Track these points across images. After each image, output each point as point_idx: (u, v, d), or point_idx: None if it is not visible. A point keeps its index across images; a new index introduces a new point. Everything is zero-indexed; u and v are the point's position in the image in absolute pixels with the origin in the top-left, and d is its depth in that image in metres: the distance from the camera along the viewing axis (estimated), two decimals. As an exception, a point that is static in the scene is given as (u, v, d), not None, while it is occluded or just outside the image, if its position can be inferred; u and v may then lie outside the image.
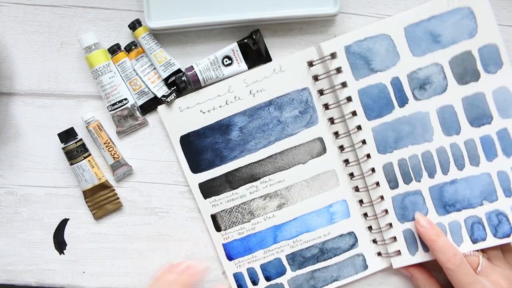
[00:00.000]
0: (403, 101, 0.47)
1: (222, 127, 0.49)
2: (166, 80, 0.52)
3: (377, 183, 0.48)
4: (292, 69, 0.48)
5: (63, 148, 0.52)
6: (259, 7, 0.50)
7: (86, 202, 0.53)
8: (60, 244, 0.54)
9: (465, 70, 0.46)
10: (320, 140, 0.49)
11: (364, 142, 0.48)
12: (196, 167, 0.50)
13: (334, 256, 0.50)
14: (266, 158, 0.49)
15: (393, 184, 0.48)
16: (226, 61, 0.51)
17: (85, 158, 0.52)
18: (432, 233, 0.45)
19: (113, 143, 0.52)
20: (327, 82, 0.48)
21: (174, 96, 0.51)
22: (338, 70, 0.47)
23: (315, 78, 0.48)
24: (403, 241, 0.48)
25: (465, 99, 0.47)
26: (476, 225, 0.47)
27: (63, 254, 0.54)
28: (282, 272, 0.51)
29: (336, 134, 0.49)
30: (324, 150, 0.49)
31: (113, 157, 0.52)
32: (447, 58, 0.46)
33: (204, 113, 0.49)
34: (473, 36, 0.46)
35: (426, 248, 0.48)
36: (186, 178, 0.50)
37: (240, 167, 0.50)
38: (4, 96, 0.53)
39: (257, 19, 0.51)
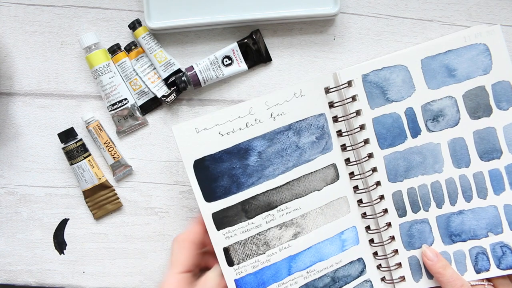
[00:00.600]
0: (416, 132, 0.48)
1: (240, 152, 0.46)
2: (166, 80, 0.52)
3: (385, 210, 0.49)
4: (311, 94, 0.47)
5: (63, 148, 0.52)
6: (259, 7, 0.50)
7: (86, 202, 0.53)
8: (60, 244, 0.54)
9: (478, 105, 0.47)
10: (334, 166, 0.48)
11: (375, 170, 0.48)
12: (210, 195, 0.46)
13: (345, 284, 0.49)
14: (284, 184, 0.47)
15: (401, 212, 0.49)
16: (226, 61, 0.51)
17: (85, 158, 0.52)
18: (439, 266, 0.46)
19: (113, 143, 0.52)
20: (342, 109, 0.48)
21: (174, 96, 0.51)
22: (354, 98, 0.48)
23: (331, 104, 0.48)
24: (408, 268, 0.49)
25: (476, 133, 0.48)
26: (480, 255, 0.48)
27: (63, 254, 0.54)
28: None
29: (348, 160, 0.48)
30: (337, 177, 0.48)
31: (113, 157, 0.52)
32: (461, 92, 0.47)
33: (222, 135, 0.46)
34: (488, 72, 0.47)
35: (430, 275, 0.49)
36: (199, 206, 0.46)
37: (257, 194, 0.47)
38: (4, 96, 0.53)
39: (257, 19, 0.51)
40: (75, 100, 0.53)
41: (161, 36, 0.52)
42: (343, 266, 0.49)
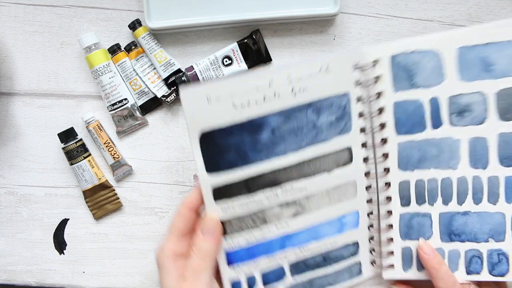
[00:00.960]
0: (437, 124, 0.45)
1: (253, 126, 0.42)
2: (166, 80, 0.52)
3: (389, 198, 0.47)
4: (338, 70, 0.43)
5: (63, 148, 0.52)
6: (259, 7, 0.50)
7: (86, 202, 0.53)
8: (60, 244, 0.54)
9: (510, 106, 0.44)
10: (349, 149, 0.45)
11: (386, 155, 0.46)
12: (213, 167, 0.42)
13: (335, 263, 0.48)
14: (293, 164, 0.44)
15: (405, 202, 0.47)
16: (226, 61, 0.51)
17: (85, 158, 0.52)
18: (435, 262, 0.46)
19: (113, 143, 0.52)
20: (366, 90, 0.45)
21: (174, 96, 0.51)
22: (379, 78, 0.44)
23: (357, 83, 0.44)
24: (400, 257, 0.48)
25: (502, 135, 0.45)
26: (475, 258, 0.47)
27: (63, 254, 0.54)
28: (280, 278, 0.47)
29: (364, 145, 0.46)
30: (350, 160, 0.45)
31: (113, 157, 0.52)
32: (494, 90, 0.44)
33: (236, 107, 0.41)
34: None
35: (420, 267, 0.48)
36: (199, 178, 0.42)
37: (264, 172, 0.44)
38: (4, 96, 0.53)
39: (257, 19, 0.51)
40: (75, 100, 0.53)
41: (161, 36, 0.52)
42: (338, 248, 0.47)
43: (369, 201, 0.47)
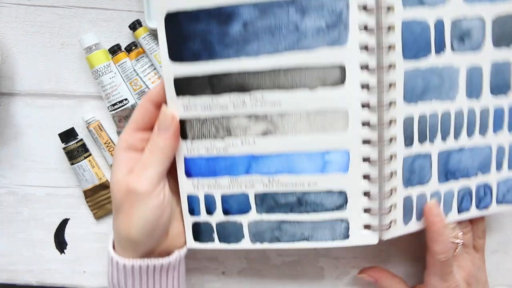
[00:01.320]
0: (440, 47, 0.42)
1: (222, 15, 0.38)
2: (166, 80, 0.52)
3: (391, 140, 0.41)
4: None
5: (64, 148, 0.52)
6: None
7: (87, 202, 0.53)
8: (60, 243, 0.54)
9: (503, 34, 0.43)
10: (341, 67, 0.38)
11: (392, 85, 0.40)
12: (176, 55, 0.39)
13: (313, 211, 0.41)
14: (266, 68, 0.39)
15: (409, 142, 0.42)
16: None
17: (85, 158, 0.52)
18: (441, 226, 0.43)
19: (113, 143, 0.53)
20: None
21: (174, 96, 0.52)
22: None
23: None
24: (401, 210, 0.43)
25: (494, 64, 0.44)
26: (466, 196, 0.46)
27: (64, 253, 0.54)
28: (245, 210, 0.43)
29: (365, 67, 0.39)
30: (341, 81, 0.39)
31: (114, 157, 0.52)
32: (492, 15, 0.43)
33: None
34: None
35: (419, 217, 0.44)
36: (162, 65, 0.40)
37: (230, 70, 0.39)
38: (5, 96, 0.54)
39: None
40: (75, 100, 0.54)
41: (161, 36, 0.53)
42: (317, 191, 0.41)
43: (367, 142, 0.40)
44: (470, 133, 0.44)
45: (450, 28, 0.42)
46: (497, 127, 0.45)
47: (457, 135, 0.44)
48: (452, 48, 0.42)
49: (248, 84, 0.40)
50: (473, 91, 0.43)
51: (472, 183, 0.46)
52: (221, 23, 0.39)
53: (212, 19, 0.39)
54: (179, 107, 0.41)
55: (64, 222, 0.54)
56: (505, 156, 0.46)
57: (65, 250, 0.54)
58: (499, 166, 0.46)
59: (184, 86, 0.40)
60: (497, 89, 0.44)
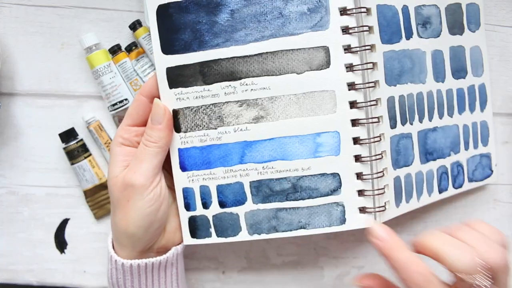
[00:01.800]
0: (409, 33, 0.45)
1: (210, 5, 0.41)
2: (166, 80, 0.52)
3: (378, 119, 0.41)
4: None
5: (64, 148, 0.52)
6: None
7: (87, 202, 0.53)
8: (61, 243, 0.54)
9: (455, 21, 0.48)
10: (326, 50, 0.40)
11: (375, 65, 0.41)
12: (168, 48, 0.41)
13: (308, 197, 0.42)
14: (255, 55, 0.40)
15: (393, 123, 0.43)
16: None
17: (85, 158, 0.52)
18: (390, 247, 0.35)
19: (113, 143, 0.53)
20: None
21: (175, 96, 0.52)
22: None
23: None
24: (393, 191, 0.43)
25: (452, 49, 0.48)
26: (443, 175, 0.48)
27: (64, 253, 0.54)
28: (241, 201, 0.43)
29: (348, 48, 0.40)
30: (327, 64, 0.40)
31: (114, 157, 0.52)
32: (444, 3, 0.47)
33: None
34: None
35: (408, 198, 0.45)
36: (154, 59, 0.42)
37: (221, 59, 0.41)
38: (5, 96, 0.54)
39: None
40: (76, 100, 0.54)
41: (161, 36, 0.53)
42: (310, 175, 0.41)
43: (355, 122, 0.41)
44: (440, 114, 0.48)
45: (414, 14, 0.45)
46: (461, 108, 0.49)
47: (430, 117, 0.47)
48: (418, 34, 0.45)
49: (238, 72, 0.41)
50: (439, 74, 0.47)
51: (447, 162, 0.48)
52: (210, 13, 0.41)
53: (201, 9, 0.41)
54: (172, 99, 0.42)
55: (64, 222, 0.54)
56: (470, 135, 0.50)
57: (65, 250, 0.54)
58: (466, 145, 0.50)
59: (176, 78, 0.42)
60: (457, 73, 0.48)
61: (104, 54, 0.51)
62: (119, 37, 0.53)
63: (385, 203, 0.42)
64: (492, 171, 0.52)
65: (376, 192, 0.41)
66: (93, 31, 0.53)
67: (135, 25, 0.51)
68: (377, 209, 0.41)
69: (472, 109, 0.50)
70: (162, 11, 0.41)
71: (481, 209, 0.54)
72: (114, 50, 0.52)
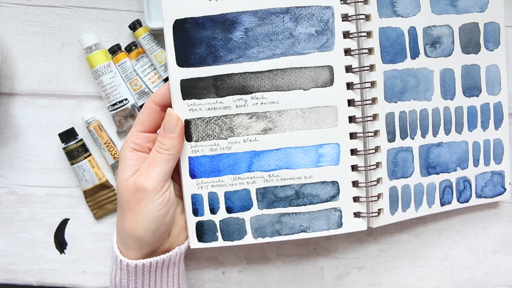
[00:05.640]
0: (415, 53, 0.47)
1: (226, 22, 0.43)
2: (166, 80, 0.52)
3: (376, 133, 0.46)
4: None
5: (64, 148, 0.52)
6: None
7: (87, 202, 0.53)
8: (60, 243, 0.54)
9: (470, 40, 0.49)
10: (330, 69, 0.44)
11: (374, 84, 0.45)
12: (183, 60, 0.43)
13: (310, 203, 0.45)
14: (266, 71, 0.44)
15: (391, 137, 0.47)
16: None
17: (85, 158, 0.52)
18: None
19: (113, 143, 0.53)
20: (353, 9, 0.44)
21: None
22: (366, 1, 0.45)
23: (342, 0, 0.44)
24: (388, 199, 0.47)
25: (464, 67, 0.49)
26: (447, 189, 0.50)
27: (64, 253, 0.54)
28: (247, 207, 0.46)
29: (349, 68, 0.44)
30: (331, 82, 0.44)
31: (114, 157, 0.52)
32: (458, 24, 0.48)
33: (210, 0, 0.43)
34: (483, 10, 0.49)
35: (405, 208, 0.48)
36: (169, 71, 0.43)
37: (234, 73, 0.43)
38: (5, 96, 0.54)
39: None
40: (75, 100, 0.54)
41: (161, 36, 0.52)
42: (312, 183, 0.45)
43: (353, 135, 0.45)
44: (447, 131, 0.49)
45: (422, 34, 0.47)
46: (472, 125, 0.50)
47: (435, 133, 0.49)
48: (426, 53, 0.47)
49: (249, 86, 0.44)
50: (448, 92, 0.49)
51: (452, 177, 0.50)
52: (225, 30, 0.43)
53: (217, 26, 0.43)
54: (184, 109, 0.44)
55: (64, 222, 0.54)
56: (481, 152, 0.50)
57: (65, 250, 0.54)
58: (476, 162, 0.50)
59: (190, 90, 0.44)
60: (469, 91, 0.49)
61: (104, 54, 0.51)
62: (119, 37, 0.53)
63: (378, 209, 0.46)
64: (505, 188, 0.52)
65: (370, 199, 0.46)
66: (93, 31, 0.53)
67: (135, 25, 0.51)
68: (370, 215, 0.46)
69: (484, 127, 0.50)
70: (179, 25, 0.43)
71: (481, 208, 0.54)
72: (114, 50, 0.52)
